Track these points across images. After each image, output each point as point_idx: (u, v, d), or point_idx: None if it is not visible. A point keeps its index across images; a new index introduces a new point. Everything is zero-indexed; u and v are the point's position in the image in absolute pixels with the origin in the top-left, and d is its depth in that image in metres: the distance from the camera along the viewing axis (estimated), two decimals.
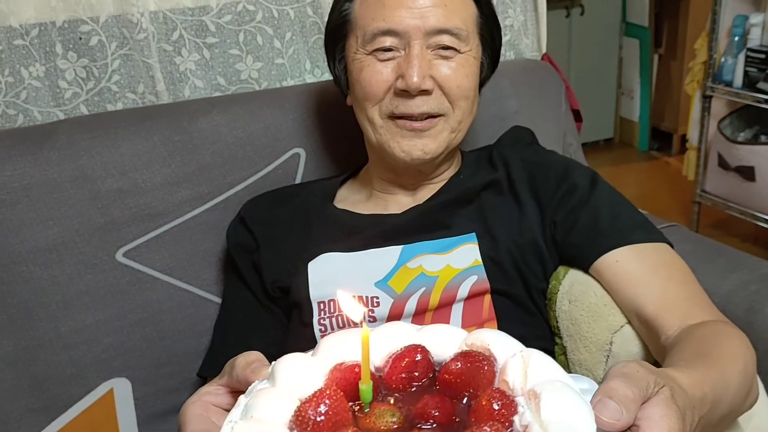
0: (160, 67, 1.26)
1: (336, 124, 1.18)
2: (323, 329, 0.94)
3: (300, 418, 0.46)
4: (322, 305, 0.95)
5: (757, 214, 2.43)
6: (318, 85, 1.23)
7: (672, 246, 0.95)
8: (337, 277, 0.96)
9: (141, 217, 1.07)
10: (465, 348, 0.54)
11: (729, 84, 2.47)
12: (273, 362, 0.56)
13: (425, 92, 0.91)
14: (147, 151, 1.08)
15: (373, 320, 0.93)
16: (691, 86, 2.65)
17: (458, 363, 0.51)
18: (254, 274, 1.02)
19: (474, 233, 0.97)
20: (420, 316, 0.93)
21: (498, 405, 0.46)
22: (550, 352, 0.96)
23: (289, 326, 0.99)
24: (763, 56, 2.33)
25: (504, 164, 1.02)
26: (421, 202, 1.01)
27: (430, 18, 0.91)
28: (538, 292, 0.97)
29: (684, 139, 3.51)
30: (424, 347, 0.53)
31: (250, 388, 0.64)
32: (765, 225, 2.41)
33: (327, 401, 0.46)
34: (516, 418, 0.46)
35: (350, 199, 1.06)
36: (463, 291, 0.93)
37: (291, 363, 0.53)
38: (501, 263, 0.94)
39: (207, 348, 1.07)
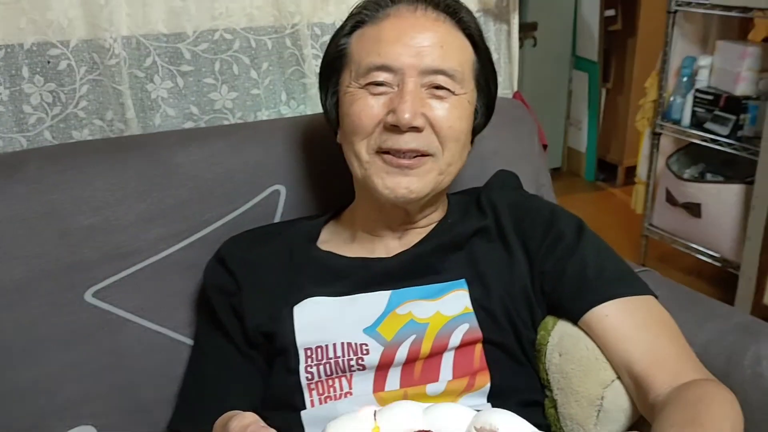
0: (131, 93, 1.21)
1: (318, 160, 1.15)
2: (310, 377, 0.91)
3: None
4: (309, 351, 0.91)
5: (702, 249, 2.50)
6: (299, 120, 1.20)
7: (657, 297, 0.96)
8: (324, 323, 0.93)
9: (112, 255, 1.01)
10: (473, 431, 0.52)
11: (677, 122, 2.55)
12: None
13: (416, 129, 0.89)
14: (121, 186, 1.03)
15: (362, 368, 0.90)
16: (641, 123, 2.72)
17: None
18: (233, 318, 0.97)
19: (464, 279, 0.96)
20: (410, 364, 0.91)
21: None
22: (541, 405, 0.96)
23: (270, 374, 0.95)
24: (710, 97, 2.41)
25: (492, 210, 1.01)
26: (409, 247, 0.99)
27: (426, 57, 0.90)
28: (529, 342, 0.96)
29: (628, 171, 3.62)
30: None
31: None
32: (708, 260, 2.48)
33: None
34: None
35: (334, 241, 1.03)
36: (455, 339, 0.91)
37: None
38: (493, 312, 0.93)
39: (177, 398, 1.02)
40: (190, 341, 1.06)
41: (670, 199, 2.57)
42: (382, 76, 0.90)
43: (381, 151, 0.91)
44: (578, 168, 3.75)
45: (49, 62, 1.14)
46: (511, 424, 0.52)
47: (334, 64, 0.96)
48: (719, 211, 2.37)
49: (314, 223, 1.06)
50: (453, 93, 0.92)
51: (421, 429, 0.53)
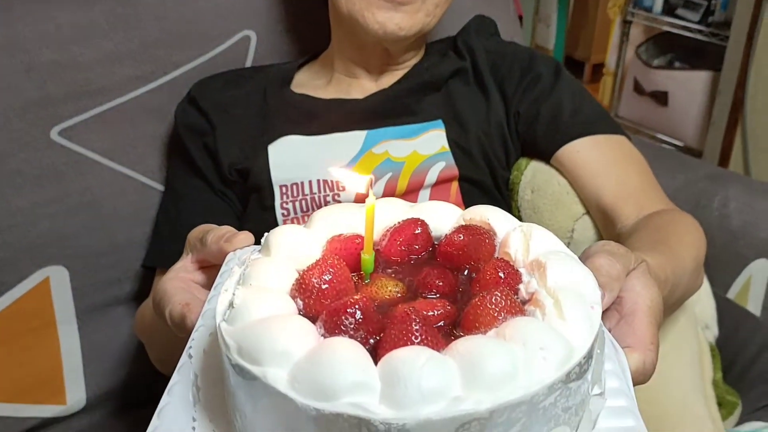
0: None
1: (290, 6, 1.11)
2: (286, 213, 0.90)
3: (304, 286, 0.44)
4: (284, 188, 0.91)
5: (667, 139, 2.54)
6: None
7: (630, 138, 0.96)
8: (299, 161, 0.92)
9: (79, 93, 0.97)
10: (463, 222, 0.52)
11: (649, 10, 2.53)
12: (266, 233, 0.52)
13: None
14: (87, 23, 0.98)
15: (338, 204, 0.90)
16: (612, 11, 2.69)
17: (460, 235, 0.50)
18: (207, 157, 0.95)
19: (441, 120, 0.95)
20: None
21: (503, 274, 0.45)
22: None
23: (245, 212, 0.95)
24: None
25: (469, 53, 1.00)
26: (385, 87, 0.98)
27: None
28: (503, 180, 0.97)
29: (595, 69, 3.61)
30: (423, 221, 0.52)
31: (228, 258, 0.60)
32: (672, 149, 2.52)
33: (331, 269, 0.44)
34: (521, 287, 0.46)
35: (309, 84, 1.01)
36: (431, 177, 0.91)
37: (287, 233, 0.51)
38: (469, 150, 0.93)
39: (151, 237, 1.01)
40: (160, 187, 1.04)
41: (638, 89, 2.58)
42: None
43: None
44: None
45: None
46: (501, 216, 0.52)
47: None
48: (686, 98, 2.39)
49: (288, 67, 1.03)
50: None
51: (413, 218, 0.52)
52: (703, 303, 0.98)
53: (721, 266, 1.00)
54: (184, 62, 1.04)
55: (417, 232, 0.51)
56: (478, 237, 0.50)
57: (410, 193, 0.91)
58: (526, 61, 0.99)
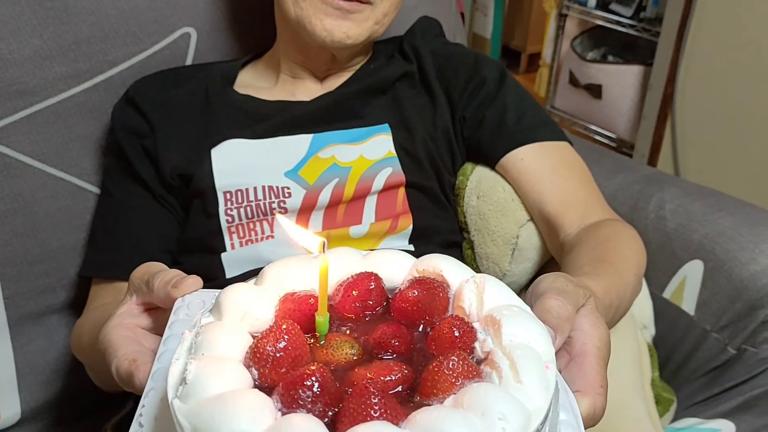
0: None
1: (232, 2, 1.08)
2: (230, 219, 0.88)
3: (258, 355, 0.43)
4: (228, 195, 0.88)
5: (600, 131, 2.60)
6: None
7: (572, 144, 0.98)
8: (243, 166, 0.90)
9: (8, 93, 0.92)
10: (416, 274, 0.52)
11: (584, 4, 2.58)
12: (218, 293, 0.50)
13: None
14: (13, 17, 0.92)
15: (284, 211, 0.88)
16: (548, 4, 2.74)
17: (414, 290, 0.49)
18: (146, 161, 0.92)
19: (387, 124, 0.95)
20: (333, 207, 0.90)
21: (459, 332, 0.45)
22: (459, 246, 0.98)
23: (187, 218, 0.92)
24: None
25: (416, 56, 0.99)
26: (331, 90, 0.96)
27: None
28: (450, 185, 0.97)
29: (531, 59, 3.66)
30: (377, 275, 0.51)
31: (177, 306, 0.58)
32: (606, 141, 2.59)
33: (285, 336, 0.43)
34: (477, 345, 0.45)
35: (254, 85, 0.99)
36: (378, 183, 0.91)
37: (237, 294, 0.49)
38: (416, 156, 0.93)
39: (86, 245, 0.97)
40: (96, 189, 1.00)
41: (573, 81, 2.63)
42: None
43: None
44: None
45: None
46: (454, 267, 0.52)
47: None
48: (619, 92, 2.45)
49: (231, 66, 1.00)
50: None
51: (365, 271, 0.51)
52: (641, 304, 1.01)
53: (657, 267, 1.03)
54: (120, 60, 1.00)
55: (371, 287, 0.50)
56: (432, 291, 0.49)
57: (357, 200, 0.90)
58: (471, 65, 0.99)
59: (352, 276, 0.50)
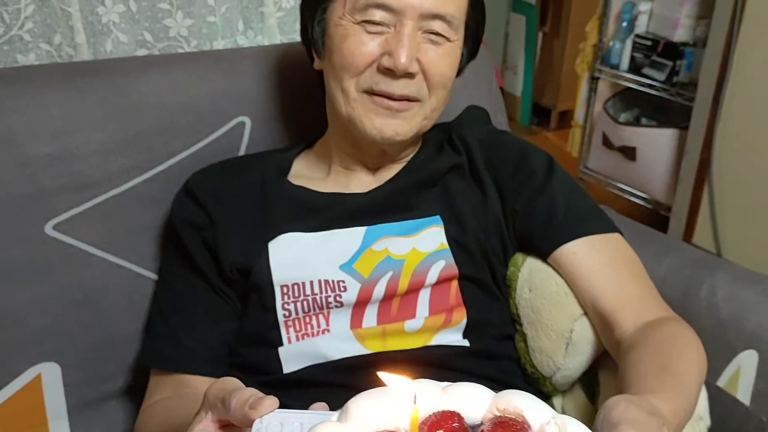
0: (80, 16, 1.14)
1: (284, 92, 1.11)
2: (287, 314, 0.90)
3: None
4: (285, 289, 0.90)
5: (635, 192, 2.59)
6: (263, 50, 1.16)
7: (623, 234, 0.98)
8: (299, 260, 0.92)
9: (73, 186, 0.96)
10: (496, 412, 0.52)
11: (616, 67, 2.60)
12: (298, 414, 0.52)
13: (409, 75, 0.87)
14: (81, 114, 0.97)
15: (339, 305, 0.90)
16: (580, 67, 2.76)
17: None
18: (205, 253, 0.94)
19: (439, 216, 0.96)
20: (387, 301, 0.91)
21: None
22: (512, 338, 0.98)
23: (245, 311, 0.93)
24: (649, 43, 2.47)
25: (465, 147, 1.01)
26: (383, 182, 0.98)
27: (427, 0, 0.87)
28: (501, 277, 0.98)
29: (562, 116, 3.69)
30: (459, 415, 0.51)
31: (255, 427, 0.59)
32: (641, 202, 2.58)
33: None
34: None
35: (307, 176, 1.01)
36: (432, 276, 0.92)
37: None
38: (468, 248, 0.94)
39: (144, 333, 0.99)
40: (154, 276, 1.03)
41: (606, 143, 2.64)
42: (378, 15, 0.86)
43: (372, 92, 0.89)
44: (513, 112, 3.80)
45: None
46: (534, 406, 0.52)
47: None
48: (653, 154, 2.46)
49: (285, 156, 1.03)
50: (448, 39, 0.90)
51: (448, 410, 0.52)
52: (700, 404, 1.00)
53: (710, 355, 1.01)
54: (179, 150, 1.04)
55: (454, 425, 0.51)
56: None
57: (410, 293, 0.91)
58: (519, 155, 1.01)
59: (434, 414, 0.51)
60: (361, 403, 0.52)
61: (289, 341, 0.89)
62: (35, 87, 0.95)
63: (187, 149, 1.04)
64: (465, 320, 0.91)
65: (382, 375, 0.50)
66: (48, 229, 0.94)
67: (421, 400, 0.52)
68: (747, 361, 0.99)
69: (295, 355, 0.89)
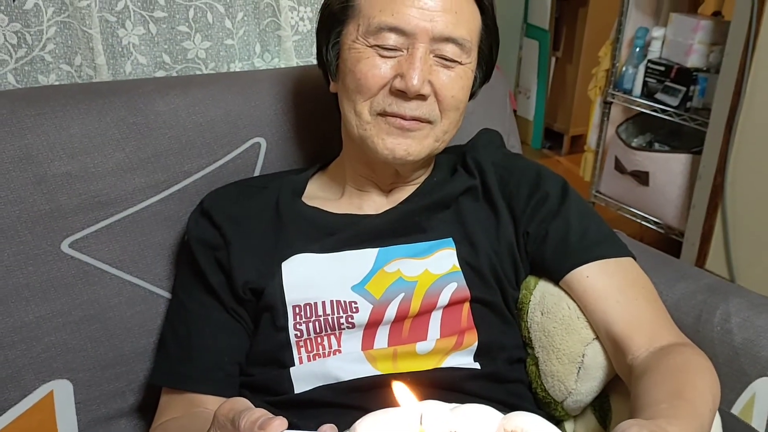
0: (101, 38, 1.16)
1: (300, 114, 1.13)
2: (299, 334, 0.90)
3: None
4: (297, 309, 0.90)
5: (648, 216, 2.59)
6: (279, 72, 1.17)
7: (635, 259, 0.98)
8: (312, 280, 0.92)
9: (90, 205, 0.97)
10: None
11: (629, 92, 2.61)
12: None
13: (421, 97, 0.89)
14: (99, 133, 0.98)
15: (351, 326, 0.90)
16: (593, 92, 2.77)
17: None
18: (219, 273, 0.95)
19: (451, 238, 0.96)
20: (399, 323, 0.91)
21: None
22: (524, 362, 0.98)
23: (256, 330, 0.94)
24: (662, 68, 2.47)
25: (479, 170, 1.02)
26: (396, 204, 0.99)
27: (439, 23, 0.88)
28: (513, 300, 0.98)
29: (574, 140, 3.69)
30: None
31: None
32: (653, 227, 2.57)
33: None
34: None
35: (321, 197, 1.02)
36: (444, 298, 0.92)
37: None
38: (480, 270, 0.94)
39: (157, 352, 1.00)
40: (168, 294, 1.03)
41: (619, 167, 2.64)
42: (392, 39, 0.88)
43: (385, 114, 0.90)
44: (525, 136, 3.81)
45: (14, 0, 1.08)
46: (542, 427, 0.52)
47: (341, 14, 0.92)
48: (666, 179, 2.45)
49: (300, 177, 1.04)
50: (459, 63, 0.91)
51: (455, 431, 0.52)
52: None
53: (724, 383, 1.00)
54: (195, 170, 1.05)
55: None
56: None
57: (422, 315, 0.91)
58: (533, 180, 1.01)
59: None
60: (369, 424, 0.52)
61: (301, 362, 0.89)
62: (55, 107, 0.96)
63: (203, 169, 1.06)
64: (476, 343, 0.91)
65: (395, 385, 0.50)
66: (64, 246, 0.95)
67: (428, 420, 0.52)
68: (762, 389, 0.98)
69: (306, 375, 0.89)
